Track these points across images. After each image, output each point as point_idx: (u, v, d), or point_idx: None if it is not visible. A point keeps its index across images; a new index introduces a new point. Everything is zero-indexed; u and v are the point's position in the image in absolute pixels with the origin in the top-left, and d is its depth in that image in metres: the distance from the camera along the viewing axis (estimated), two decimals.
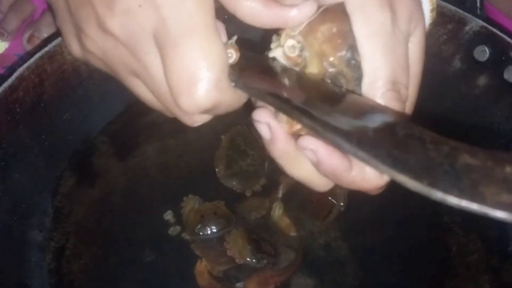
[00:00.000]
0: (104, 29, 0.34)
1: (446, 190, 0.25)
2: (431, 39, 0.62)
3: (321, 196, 0.67)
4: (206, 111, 0.34)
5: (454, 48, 0.61)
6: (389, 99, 0.33)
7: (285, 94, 0.33)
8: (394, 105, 0.33)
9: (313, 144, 0.33)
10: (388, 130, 0.30)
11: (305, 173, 0.37)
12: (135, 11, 0.32)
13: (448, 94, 0.64)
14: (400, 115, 0.34)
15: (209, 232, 0.65)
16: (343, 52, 0.34)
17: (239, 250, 0.64)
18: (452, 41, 0.61)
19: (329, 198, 0.66)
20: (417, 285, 0.63)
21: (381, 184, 0.36)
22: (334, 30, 0.34)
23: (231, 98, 0.34)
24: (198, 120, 0.37)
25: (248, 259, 0.63)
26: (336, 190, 0.66)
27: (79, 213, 0.62)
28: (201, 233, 0.65)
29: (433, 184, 0.26)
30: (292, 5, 0.33)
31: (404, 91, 0.34)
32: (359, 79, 0.34)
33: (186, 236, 0.66)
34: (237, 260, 0.63)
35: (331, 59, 0.34)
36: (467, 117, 0.64)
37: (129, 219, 0.62)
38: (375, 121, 0.31)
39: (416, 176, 0.26)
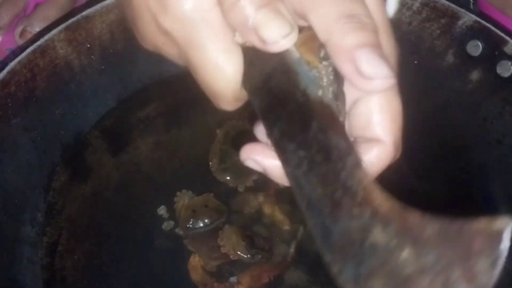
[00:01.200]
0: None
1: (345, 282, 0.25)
2: (423, 33, 0.62)
3: None
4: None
5: (447, 43, 0.61)
6: (349, 30, 0.30)
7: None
8: (360, 35, 0.30)
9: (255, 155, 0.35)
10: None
11: None
12: (160, 47, 0.35)
13: (441, 89, 0.64)
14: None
15: (202, 225, 0.65)
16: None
17: (233, 246, 0.64)
18: (445, 35, 0.61)
19: None
20: None
21: None
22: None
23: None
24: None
25: (242, 255, 0.63)
26: None
27: (72, 208, 0.62)
28: (194, 228, 0.65)
29: (339, 273, 0.26)
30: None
31: (365, 19, 0.30)
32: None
33: (179, 231, 0.66)
34: (231, 257, 0.63)
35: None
36: (460, 112, 0.64)
37: (123, 214, 0.61)
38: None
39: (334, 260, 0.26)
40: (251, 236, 0.65)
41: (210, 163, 0.69)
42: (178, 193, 0.66)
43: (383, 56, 0.30)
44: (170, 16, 0.32)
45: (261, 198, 0.69)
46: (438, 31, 0.61)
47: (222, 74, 0.33)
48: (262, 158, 0.34)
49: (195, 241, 0.65)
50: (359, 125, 0.33)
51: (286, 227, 0.67)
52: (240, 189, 0.69)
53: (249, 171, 0.70)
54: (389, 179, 0.67)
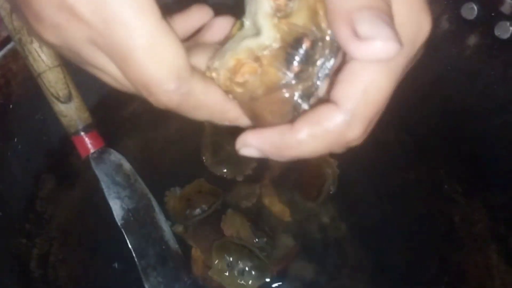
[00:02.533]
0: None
1: None
2: None
3: (311, 177, 0.65)
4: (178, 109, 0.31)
5: (441, 8, 0.58)
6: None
7: None
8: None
9: (255, 141, 0.31)
10: None
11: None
12: (64, 25, 0.29)
13: (438, 58, 0.60)
14: None
15: (200, 212, 0.63)
16: None
17: (237, 229, 0.61)
18: (438, 0, 0.57)
19: (318, 178, 0.64)
20: (422, 261, 0.60)
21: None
22: None
23: (200, 93, 0.31)
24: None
25: (247, 237, 0.61)
26: (325, 169, 0.63)
27: (61, 216, 0.59)
28: (193, 217, 0.62)
29: None
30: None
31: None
32: (335, 52, 0.31)
33: (177, 228, 0.63)
34: (234, 241, 0.61)
35: (322, 22, 0.30)
36: (459, 81, 0.60)
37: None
38: None
39: None
40: (255, 220, 0.63)
41: (203, 157, 0.66)
42: (166, 192, 0.64)
43: (387, 21, 0.27)
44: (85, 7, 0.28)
45: (259, 189, 0.66)
46: None
47: (158, 61, 0.28)
48: (259, 140, 0.31)
49: (195, 235, 0.63)
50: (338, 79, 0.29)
51: (287, 218, 0.65)
52: (239, 178, 0.67)
53: (246, 160, 0.68)
54: (391, 153, 0.65)
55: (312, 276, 0.61)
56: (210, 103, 0.32)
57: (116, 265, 0.61)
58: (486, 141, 0.58)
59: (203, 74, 0.32)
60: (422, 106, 0.61)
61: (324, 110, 0.29)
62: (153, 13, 0.28)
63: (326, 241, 0.63)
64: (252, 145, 0.31)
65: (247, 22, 0.32)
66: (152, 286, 0.56)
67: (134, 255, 0.56)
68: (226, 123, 0.34)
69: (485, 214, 0.59)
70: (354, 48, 0.27)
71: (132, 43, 0.27)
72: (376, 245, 0.62)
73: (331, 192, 0.63)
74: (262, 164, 0.68)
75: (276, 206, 0.65)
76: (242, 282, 0.59)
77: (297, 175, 0.66)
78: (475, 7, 0.55)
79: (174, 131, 0.65)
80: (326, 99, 0.30)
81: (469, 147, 0.59)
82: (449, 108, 0.60)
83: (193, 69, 0.30)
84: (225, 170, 0.67)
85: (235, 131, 0.66)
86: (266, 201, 0.65)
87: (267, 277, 0.60)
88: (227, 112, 0.33)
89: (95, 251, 0.59)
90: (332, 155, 0.64)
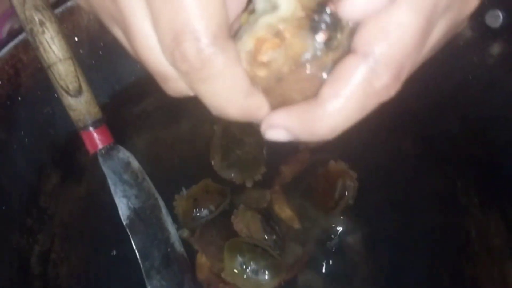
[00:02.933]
0: None
1: None
2: None
3: (328, 186, 0.63)
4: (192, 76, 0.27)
5: None
6: None
7: None
8: None
9: (281, 120, 0.28)
10: None
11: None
12: None
13: (459, 66, 0.59)
14: None
15: (208, 213, 0.61)
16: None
17: (247, 223, 0.59)
18: None
19: (338, 189, 0.62)
20: (436, 274, 0.58)
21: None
22: None
23: (227, 62, 0.27)
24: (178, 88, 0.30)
25: (256, 232, 0.59)
26: (346, 181, 0.61)
27: (64, 212, 0.58)
28: (200, 218, 0.61)
29: None
30: None
31: None
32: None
33: (183, 233, 0.62)
34: (243, 236, 0.59)
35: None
36: (480, 90, 0.58)
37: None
38: None
39: None
40: (267, 215, 0.61)
41: (212, 161, 0.65)
42: (176, 196, 0.62)
43: None
44: None
45: (268, 195, 0.64)
46: None
47: (203, 6, 0.25)
48: (285, 118, 0.28)
49: (202, 240, 0.61)
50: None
51: (297, 225, 0.63)
52: (248, 184, 0.65)
53: (256, 164, 0.66)
54: (407, 162, 0.63)
55: (320, 287, 0.59)
56: (234, 78, 0.27)
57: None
58: (505, 153, 0.57)
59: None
60: (441, 115, 0.60)
61: (343, 65, 0.26)
62: None
63: (336, 251, 0.61)
64: (279, 124, 0.28)
65: (258, 5, 0.29)
66: None
67: (138, 256, 0.54)
68: (242, 113, 0.29)
69: (502, 228, 0.57)
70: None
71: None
72: (388, 257, 0.60)
73: (348, 205, 0.61)
74: (272, 170, 0.66)
75: (286, 213, 0.63)
76: (257, 282, 0.57)
77: (310, 183, 0.64)
78: (500, 15, 0.54)
79: (184, 131, 0.64)
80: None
81: (488, 159, 0.57)
82: (469, 119, 0.59)
83: (230, 36, 0.27)
84: (233, 175, 0.66)
85: (245, 135, 0.65)
86: (276, 207, 0.64)
87: (283, 275, 0.57)
88: (251, 95, 0.28)
89: (97, 250, 0.57)
90: (351, 166, 0.62)
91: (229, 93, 0.28)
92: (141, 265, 0.54)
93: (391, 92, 0.26)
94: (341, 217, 0.62)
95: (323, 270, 0.60)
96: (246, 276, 0.57)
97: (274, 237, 0.59)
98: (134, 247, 0.54)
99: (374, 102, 0.26)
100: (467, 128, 0.59)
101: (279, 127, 0.28)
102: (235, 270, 0.57)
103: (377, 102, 0.26)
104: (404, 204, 0.62)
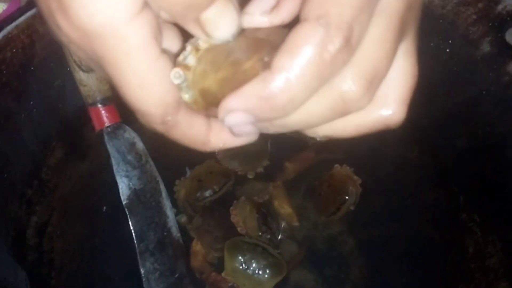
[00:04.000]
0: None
1: None
2: (458, 19, 0.57)
3: (331, 191, 0.63)
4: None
5: (484, 29, 0.55)
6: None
7: None
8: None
9: (236, 102, 0.27)
10: None
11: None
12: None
13: (474, 81, 0.58)
14: None
15: (211, 193, 0.61)
16: None
17: (244, 217, 0.60)
18: (482, 21, 0.55)
19: (340, 195, 0.61)
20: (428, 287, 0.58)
21: None
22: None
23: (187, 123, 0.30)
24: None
25: (252, 229, 0.59)
26: (349, 187, 0.61)
27: (65, 187, 0.58)
28: (204, 198, 0.61)
29: None
30: None
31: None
32: None
33: (181, 218, 0.62)
34: (239, 229, 0.59)
35: None
36: (493, 107, 0.58)
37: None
38: None
39: None
40: (265, 214, 0.61)
41: (216, 151, 0.65)
42: (177, 182, 0.62)
43: None
44: (71, 23, 0.27)
45: (271, 188, 0.64)
46: (474, 16, 0.55)
47: (145, 100, 0.28)
48: (241, 99, 0.27)
49: (199, 228, 0.61)
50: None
51: (295, 223, 0.63)
52: (250, 175, 0.65)
53: (259, 157, 0.66)
54: (411, 173, 0.63)
55: (312, 286, 0.59)
56: (193, 135, 0.31)
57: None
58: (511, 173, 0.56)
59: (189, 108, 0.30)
60: (450, 128, 0.59)
61: (295, 34, 0.25)
62: (153, 49, 0.27)
63: (331, 253, 0.61)
64: (236, 107, 0.26)
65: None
66: (148, 271, 0.55)
67: (134, 237, 0.54)
68: (209, 150, 0.32)
69: (500, 248, 0.56)
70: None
71: (126, 76, 0.27)
72: (382, 265, 0.59)
73: (349, 210, 0.61)
74: (276, 165, 0.66)
75: (285, 209, 0.63)
76: (258, 281, 0.57)
77: (313, 184, 0.64)
78: None
79: None
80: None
81: (493, 178, 0.57)
82: (478, 134, 0.58)
83: (180, 103, 0.29)
84: (237, 165, 0.66)
85: None
86: (276, 203, 0.63)
87: (283, 274, 0.57)
88: (209, 142, 0.32)
89: (94, 228, 0.57)
90: (356, 171, 0.62)
91: (191, 144, 0.32)
92: (136, 246, 0.54)
93: (347, 55, 0.25)
94: (340, 220, 0.62)
95: (316, 271, 0.60)
96: (247, 275, 0.57)
97: (269, 236, 0.59)
98: (131, 227, 0.54)
99: (331, 68, 0.25)
100: (475, 144, 0.58)
101: (237, 110, 0.27)
102: (236, 270, 0.57)
103: (334, 69, 0.26)
104: (403, 214, 0.61)
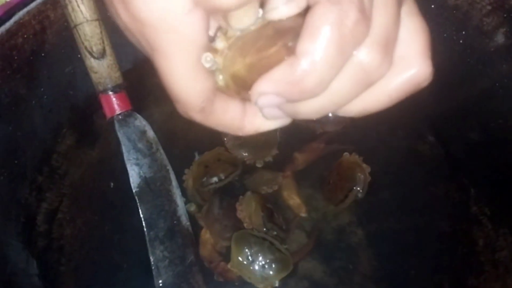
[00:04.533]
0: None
1: None
2: (472, 9, 0.56)
3: (340, 179, 0.62)
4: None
5: (498, 20, 0.55)
6: None
7: None
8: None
9: (267, 85, 0.28)
10: None
11: None
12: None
13: (487, 73, 0.58)
14: None
15: (217, 180, 0.61)
16: None
17: (250, 214, 0.59)
18: (496, 12, 0.54)
19: (348, 182, 0.61)
20: (437, 280, 0.58)
21: None
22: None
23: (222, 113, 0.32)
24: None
25: (258, 226, 0.59)
26: (357, 174, 0.61)
27: (75, 174, 0.58)
28: (209, 184, 0.61)
29: None
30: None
31: None
32: None
33: (190, 207, 0.62)
34: (245, 225, 0.59)
35: None
36: (506, 100, 0.57)
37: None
38: None
39: None
40: (271, 209, 0.61)
41: (224, 139, 0.65)
42: (186, 171, 0.62)
43: None
44: (130, 14, 0.29)
45: (280, 177, 0.64)
46: (489, 7, 0.55)
47: (188, 89, 0.30)
48: (271, 82, 0.28)
49: (208, 217, 0.61)
50: None
51: (303, 213, 0.63)
52: (259, 164, 0.65)
53: (268, 146, 0.66)
54: (422, 164, 0.62)
55: (320, 277, 0.59)
56: (228, 121, 0.32)
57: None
58: None
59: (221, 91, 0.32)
60: (462, 120, 0.59)
61: (312, 17, 0.26)
62: (202, 40, 0.29)
63: (340, 244, 0.61)
64: (267, 90, 0.28)
65: None
66: (157, 259, 0.55)
67: (144, 225, 0.54)
68: (243, 134, 0.34)
69: (511, 241, 0.56)
70: None
71: (174, 65, 0.29)
72: (391, 257, 0.59)
73: (358, 198, 0.60)
74: (285, 154, 0.66)
75: (294, 200, 0.63)
76: (263, 275, 0.57)
77: (322, 174, 0.64)
78: None
79: None
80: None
81: (505, 171, 0.57)
82: (490, 127, 0.58)
83: (216, 91, 0.31)
84: (245, 154, 0.66)
85: None
86: (285, 193, 0.63)
87: (289, 270, 0.57)
88: (243, 127, 0.33)
89: (104, 215, 0.57)
90: (365, 160, 0.62)
91: (227, 129, 0.33)
92: (146, 234, 0.54)
93: (364, 27, 0.26)
94: (349, 211, 0.62)
95: (325, 261, 0.60)
96: (253, 269, 0.57)
97: (275, 232, 0.59)
98: (141, 215, 0.54)
99: (352, 42, 0.26)
100: (487, 136, 0.58)
101: (268, 93, 0.28)
102: (242, 262, 0.57)
103: (355, 42, 0.26)
104: (413, 205, 0.61)
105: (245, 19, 0.29)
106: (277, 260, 0.57)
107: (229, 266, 0.58)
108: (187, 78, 0.29)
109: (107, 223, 0.57)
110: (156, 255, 0.55)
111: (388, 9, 0.27)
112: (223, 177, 0.62)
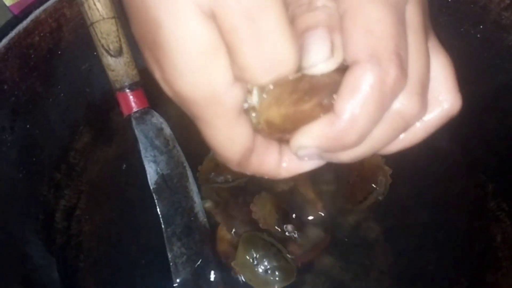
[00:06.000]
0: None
1: None
2: (490, 3, 0.55)
3: (360, 179, 0.62)
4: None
5: None
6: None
7: None
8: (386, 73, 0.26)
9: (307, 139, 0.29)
10: None
11: None
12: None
13: (505, 68, 0.57)
14: None
15: (223, 180, 0.61)
16: None
17: (264, 215, 0.59)
18: None
19: (369, 184, 0.61)
20: (454, 276, 0.58)
21: None
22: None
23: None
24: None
25: (272, 227, 0.59)
26: (379, 176, 0.60)
27: (93, 171, 0.58)
28: (214, 182, 0.61)
29: None
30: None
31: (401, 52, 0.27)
32: None
33: (205, 203, 0.62)
34: (260, 225, 0.59)
35: None
36: None
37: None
38: None
39: None
40: (286, 210, 0.61)
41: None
42: (199, 167, 0.62)
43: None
44: (171, 90, 0.31)
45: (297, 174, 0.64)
46: (508, 1, 0.54)
47: (227, 149, 0.31)
48: (312, 136, 0.29)
49: (224, 213, 0.61)
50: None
51: (319, 210, 0.62)
52: None
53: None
54: (439, 161, 0.62)
55: (337, 273, 0.59)
56: (265, 170, 0.34)
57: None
58: None
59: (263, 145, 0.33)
60: (480, 116, 0.58)
61: (350, 77, 0.27)
62: (242, 107, 0.30)
63: (357, 240, 0.61)
64: (306, 144, 0.29)
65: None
66: (175, 256, 0.55)
67: (161, 221, 0.54)
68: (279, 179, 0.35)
69: None
70: None
71: (216, 132, 0.31)
72: (408, 253, 0.59)
73: (378, 201, 0.60)
74: None
75: (311, 196, 0.63)
76: (265, 280, 0.57)
77: (341, 173, 0.63)
78: None
79: None
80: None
81: None
82: (508, 122, 0.57)
83: (253, 148, 0.32)
84: None
85: None
86: (301, 189, 0.63)
87: (290, 281, 0.57)
88: (279, 174, 0.34)
89: (121, 212, 0.57)
90: (386, 160, 0.61)
91: (264, 175, 0.34)
92: (163, 231, 0.55)
93: (402, 81, 0.27)
94: (366, 208, 0.62)
95: (341, 257, 0.60)
96: (256, 272, 0.57)
97: (288, 234, 0.59)
98: (159, 212, 0.54)
99: (391, 97, 0.27)
100: (505, 131, 0.57)
101: (309, 147, 0.29)
102: (246, 263, 0.57)
103: (394, 97, 0.27)
104: (430, 202, 0.61)
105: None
106: (281, 268, 0.57)
107: (232, 264, 0.58)
108: (227, 139, 0.31)
109: (124, 219, 0.57)
110: (174, 252, 0.55)
111: (421, 55, 0.28)
112: (230, 180, 0.61)
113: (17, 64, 0.50)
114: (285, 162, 0.34)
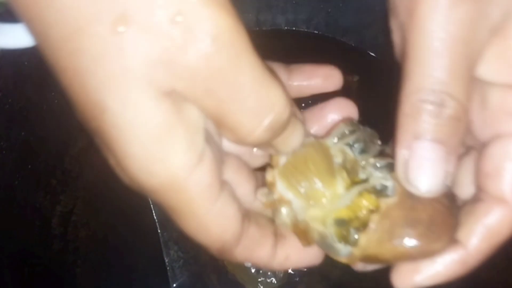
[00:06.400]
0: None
1: None
2: None
3: None
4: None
5: None
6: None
7: None
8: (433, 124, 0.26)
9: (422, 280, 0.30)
10: None
11: None
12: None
13: None
14: None
15: None
16: None
17: None
18: None
19: None
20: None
21: None
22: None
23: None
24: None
25: None
26: None
27: (89, 177, 0.58)
28: None
29: None
30: None
31: (451, 103, 0.26)
32: None
33: None
34: None
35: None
36: None
37: None
38: None
39: None
40: None
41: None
42: None
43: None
44: (130, 179, 0.28)
45: None
46: None
47: (204, 234, 0.28)
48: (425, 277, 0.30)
49: None
50: (486, 170, 0.29)
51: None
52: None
53: None
54: None
55: (334, 273, 0.59)
56: (254, 261, 0.31)
57: None
58: None
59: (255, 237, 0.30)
60: None
61: (492, 215, 0.28)
62: (213, 192, 0.27)
63: None
64: (427, 282, 0.30)
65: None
66: (172, 260, 0.55)
67: (158, 226, 0.54)
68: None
69: None
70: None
71: (185, 218, 0.28)
72: None
73: None
74: None
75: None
76: (258, 279, 0.57)
77: None
78: None
79: None
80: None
81: None
82: None
83: (240, 237, 0.29)
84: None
85: None
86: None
87: (284, 281, 0.57)
88: (271, 267, 0.32)
89: (117, 217, 0.58)
90: None
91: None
92: (160, 235, 0.55)
93: None
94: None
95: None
96: (249, 272, 0.57)
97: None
98: (155, 217, 0.54)
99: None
100: None
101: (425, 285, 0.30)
102: (239, 264, 0.57)
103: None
104: None
105: (292, 144, 0.29)
106: (273, 271, 0.57)
107: (226, 263, 0.58)
108: (200, 227, 0.28)
109: (121, 224, 0.57)
110: (170, 256, 0.55)
111: None
112: None
113: (11, 72, 0.50)
114: (278, 258, 0.31)
